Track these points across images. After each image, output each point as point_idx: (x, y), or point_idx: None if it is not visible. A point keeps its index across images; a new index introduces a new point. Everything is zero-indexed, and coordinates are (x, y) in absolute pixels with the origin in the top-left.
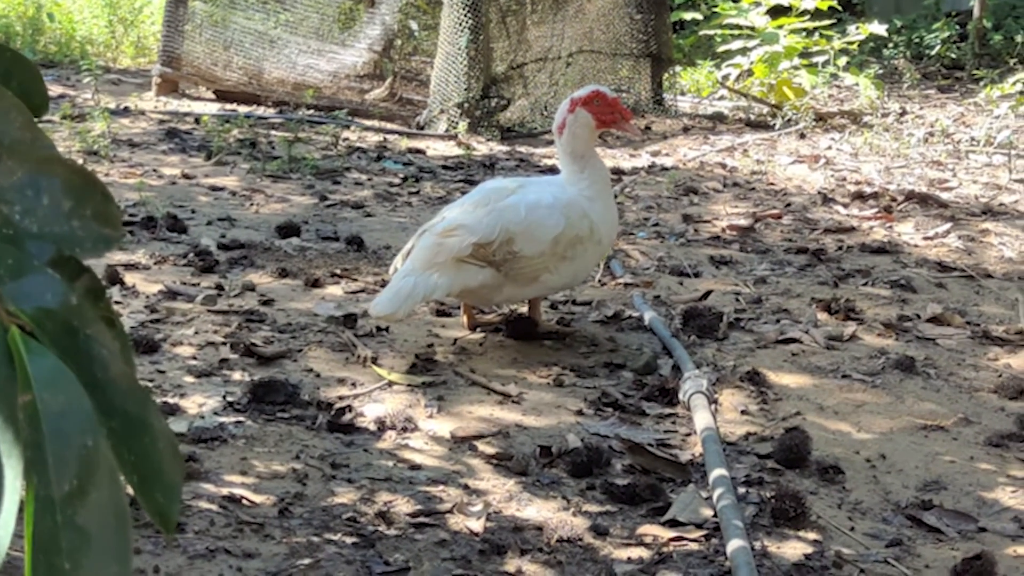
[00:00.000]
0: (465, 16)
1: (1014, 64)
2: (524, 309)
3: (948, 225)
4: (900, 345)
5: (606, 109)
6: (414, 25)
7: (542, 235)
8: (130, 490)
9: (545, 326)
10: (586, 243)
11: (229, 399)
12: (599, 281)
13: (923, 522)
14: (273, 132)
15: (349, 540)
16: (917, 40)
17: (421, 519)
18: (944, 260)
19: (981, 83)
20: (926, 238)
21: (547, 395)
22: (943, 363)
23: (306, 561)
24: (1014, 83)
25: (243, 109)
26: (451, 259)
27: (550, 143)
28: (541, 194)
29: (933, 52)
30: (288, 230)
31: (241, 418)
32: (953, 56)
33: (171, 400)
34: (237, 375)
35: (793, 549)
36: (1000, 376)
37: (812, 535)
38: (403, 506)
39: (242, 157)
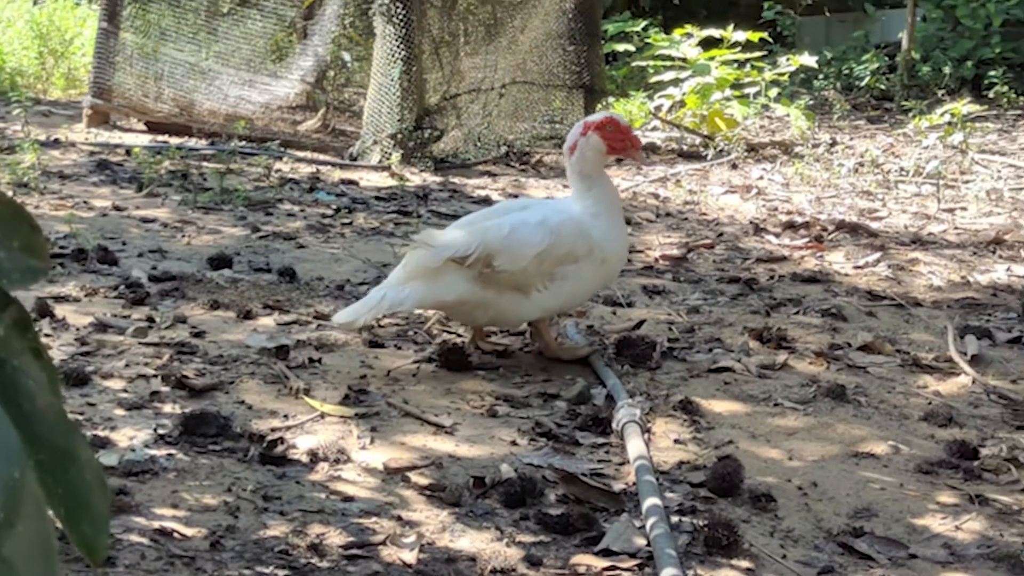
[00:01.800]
0: (398, 47)
1: (942, 95)
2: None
3: (878, 254)
4: (831, 373)
5: (617, 136)
6: (347, 56)
7: (524, 252)
8: (59, 523)
9: (556, 351)
10: (582, 262)
11: (160, 432)
12: None
13: (854, 549)
14: (205, 164)
15: (281, 573)
16: (847, 71)
17: (354, 551)
18: (874, 289)
19: (910, 114)
20: (856, 267)
21: (481, 425)
22: (874, 391)
23: None
24: (942, 114)
25: (175, 140)
26: (426, 272)
27: (484, 174)
28: (536, 213)
29: (863, 83)
30: (220, 262)
31: (172, 451)
32: (882, 87)
33: (101, 433)
34: (168, 407)
35: None
36: (930, 403)
37: (745, 563)
38: (336, 538)
39: (173, 189)
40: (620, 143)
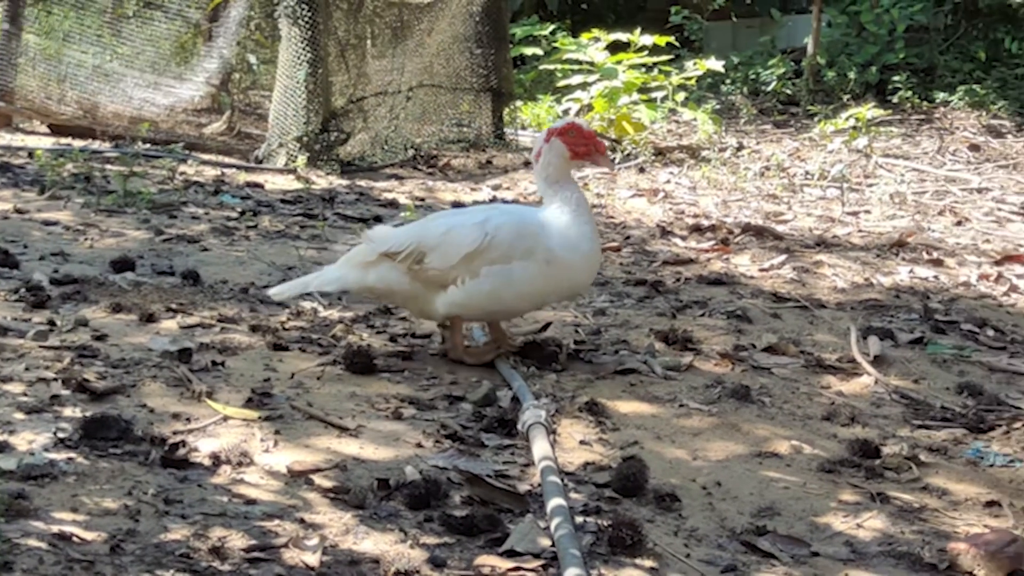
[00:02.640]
0: (303, 50)
1: (847, 100)
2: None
3: (783, 257)
4: (736, 374)
5: (580, 141)
6: (253, 59)
7: (455, 251)
8: None
9: (461, 353)
10: (516, 262)
11: (60, 435)
12: None
13: (757, 547)
14: (108, 166)
15: None
16: (753, 76)
17: (256, 554)
18: (779, 291)
19: (815, 119)
20: (762, 270)
21: (386, 428)
22: (777, 391)
23: None
24: (847, 118)
25: (78, 143)
26: (362, 261)
27: (391, 177)
28: (482, 215)
29: (769, 88)
30: (123, 265)
31: (72, 454)
32: (788, 92)
33: (0, 437)
34: (69, 411)
35: None
36: (833, 404)
37: (649, 563)
38: (237, 541)
39: (76, 192)
40: (583, 148)
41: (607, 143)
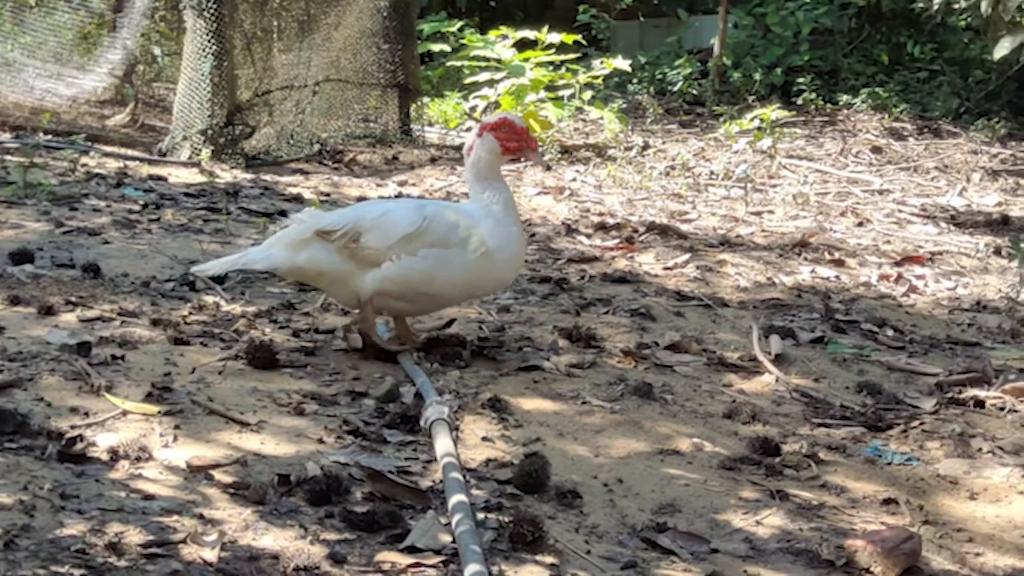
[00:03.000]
0: (208, 42)
1: (752, 101)
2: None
3: (687, 256)
4: (639, 372)
5: (512, 137)
6: (157, 51)
7: (393, 232)
8: None
9: (371, 334)
10: (454, 248)
11: None
12: (342, 310)
13: (658, 544)
14: (8, 157)
15: (77, 572)
16: (660, 76)
17: (153, 550)
18: (682, 289)
19: (721, 119)
20: (666, 268)
21: (287, 423)
22: (680, 389)
23: None
24: (752, 119)
25: None
26: (293, 242)
27: (296, 171)
28: (418, 202)
29: (675, 88)
30: (21, 257)
31: None
32: (695, 92)
33: None
34: None
35: (530, 573)
36: (734, 401)
37: (549, 559)
38: (135, 537)
39: None
40: (515, 143)
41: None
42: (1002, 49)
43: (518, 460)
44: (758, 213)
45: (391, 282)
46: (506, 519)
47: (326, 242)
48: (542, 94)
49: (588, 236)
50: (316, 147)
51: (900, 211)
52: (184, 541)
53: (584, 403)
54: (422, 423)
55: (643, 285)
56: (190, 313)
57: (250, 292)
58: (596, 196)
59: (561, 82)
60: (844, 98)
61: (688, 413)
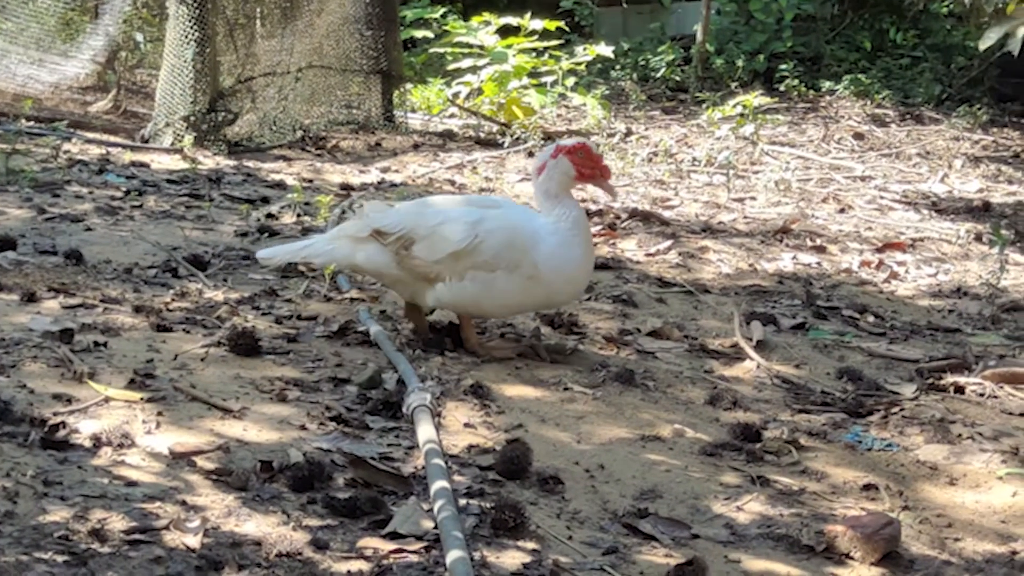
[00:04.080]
0: (191, 28)
1: (735, 87)
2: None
3: (669, 242)
4: (621, 358)
5: (588, 163)
6: (140, 37)
7: (442, 247)
8: None
9: (474, 345)
10: (500, 272)
11: None
12: (324, 296)
13: (639, 530)
14: None
15: (60, 559)
16: (643, 63)
17: (136, 536)
18: (664, 276)
19: (703, 105)
20: (648, 254)
21: (270, 410)
22: (662, 375)
23: None
24: (734, 106)
25: None
26: (353, 237)
27: (279, 158)
28: (478, 214)
29: (658, 75)
30: (3, 243)
31: None
32: (678, 79)
33: None
34: None
35: (512, 559)
36: (715, 388)
37: (531, 544)
38: (118, 523)
39: None
40: (590, 170)
41: (497, 127)
42: (988, 40)
43: (500, 446)
44: (740, 200)
45: (448, 305)
46: (488, 505)
47: (381, 244)
48: (525, 80)
49: None
50: (299, 133)
51: (882, 198)
52: (167, 527)
53: (566, 389)
54: (404, 409)
55: (625, 271)
56: (172, 300)
57: (232, 279)
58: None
59: (544, 68)
60: (827, 84)
61: (670, 399)
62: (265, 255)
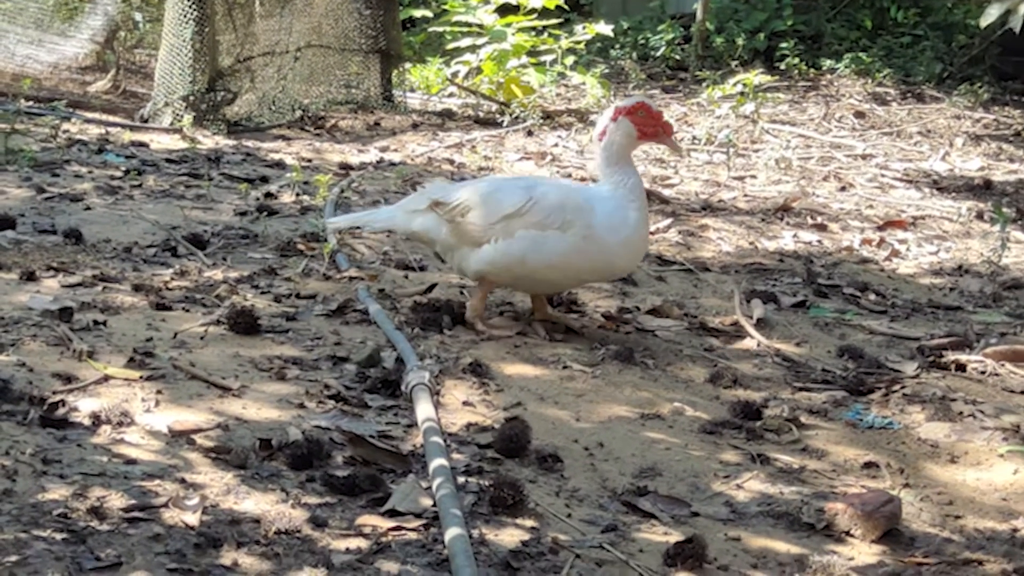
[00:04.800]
0: (190, 8)
1: (735, 66)
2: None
3: (669, 220)
4: (620, 337)
5: (649, 121)
6: (138, 16)
7: (496, 210)
8: None
9: (473, 318)
10: (551, 232)
11: None
12: (323, 275)
13: (638, 508)
14: None
15: (59, 536)
16: (643, 41)
17: (135, 514)
18: (664, 254)
19: (703, 84)
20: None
21: (269, 388)
22: (661, 354)
23: (13, 558)
24: (735, 84)
25: None
26: (413, 208)
27: (278, 137)
28: (530, 181)
29: (658, 53)
30: (3, 223)
31: None
32: (677, 57)
33: None
34: None
35: (511, 536)
36: (715, 366)
37: (530, 522)
38: (116, 501)
39: None
40: (651, 128)
41: (496, 106)
42: (989, 16)
43: (499, 424)
44: (740, 178)
45: (490, 264)
46: (486, 483)
47: (439, 213)
48: (524, 59)
49: None
50: (298, 113)
51: (883, 176)
52: (166, 505)
53: (565, 368)
54: (403, 388)
55: None
56: (172, 278)
57: (232, 258)
58: (578, 161)
59: (543, 47)
60: (827, 63)
61: (669, 378)
62: (331, 221)
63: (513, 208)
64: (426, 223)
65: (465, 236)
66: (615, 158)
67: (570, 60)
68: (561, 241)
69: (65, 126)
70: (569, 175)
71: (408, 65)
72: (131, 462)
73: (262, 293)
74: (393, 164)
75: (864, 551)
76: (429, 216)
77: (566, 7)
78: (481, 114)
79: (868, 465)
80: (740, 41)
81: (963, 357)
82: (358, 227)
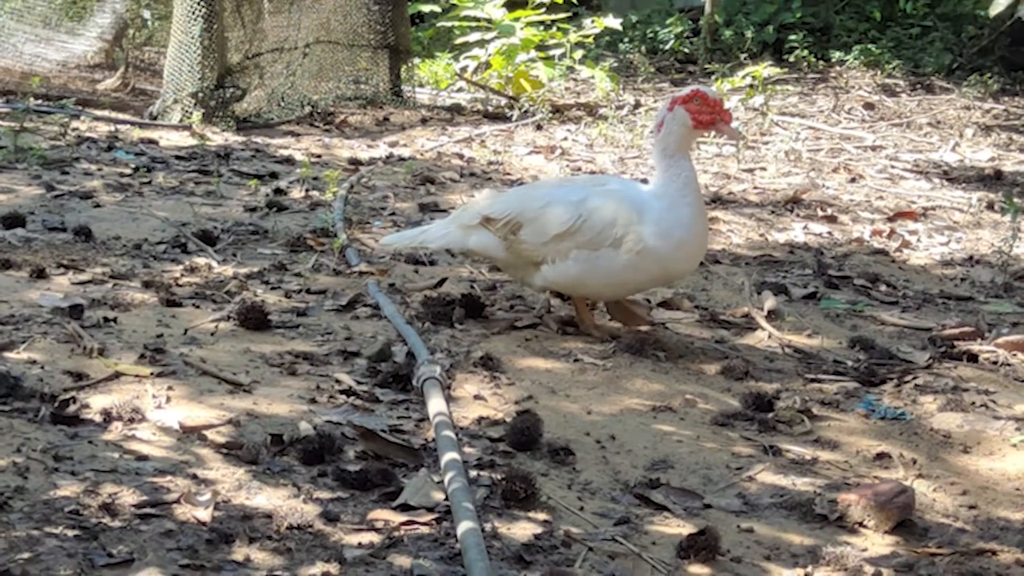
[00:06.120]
0: (198, 4)
1: (744, 58)
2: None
3: None
4: (631, 329)
5: (705, 109)
6: (147, 14)
7: (546, 229)
8: None
9: (588, 327)
10: (604, 250)
11: None
12: (333, 270)
13: (651, 500)
14: None
15: (71, 533)
16: (651, 35)
17: (147, 510)
18: None
19: (713, 77)
20: None
21: (280, 383)
22: (672, 346)
23: (25, 555)
24: (744, 77)
25: None
26: (465, 224)
27: (287, 134)
28: (582, 192)
29: (667, 47)
30: (13, 221)
31: None
32: (686, 51)
33: None
34: None
35: (523, 530)
36: (727, 358)
37: (542, 515)
38: (128, 497)
39: None
40: (708, 116)
41: (505, 100)
42: (998, 6)
43: (510, 418)
44: (750, 170)
45: (553, 283)
46: (499, 476)
47: (491, 231)
48: (533, 54)
49: None
50: (307, 109)
51: (893, 167)
52: (178, 501)
53: (576, 361)
54: (414, 382)
55: None
56: (182, 275)
57: (241, 254)
58: (588, 155)
59: (552, 41)
60: (836, 55)
61: (681, 370)
62: (387, 241)
63: (563, 228)
64: (482, 240)
65: (519, 255)
66: (671, 149)
67: (579, 54)
68: (615, 259)
69: (74, 124)
70: (579, 169)
71: (417, 60)
72: (142, 458)
73: (272, 289)
74: (403, 159)
75: (877, 542)
76: (483, 233)
77: (574, 1)
78: (490, 109)
79: (881, 456)
80: (749, 34)
81: (975, 347)
82: (414, 247)
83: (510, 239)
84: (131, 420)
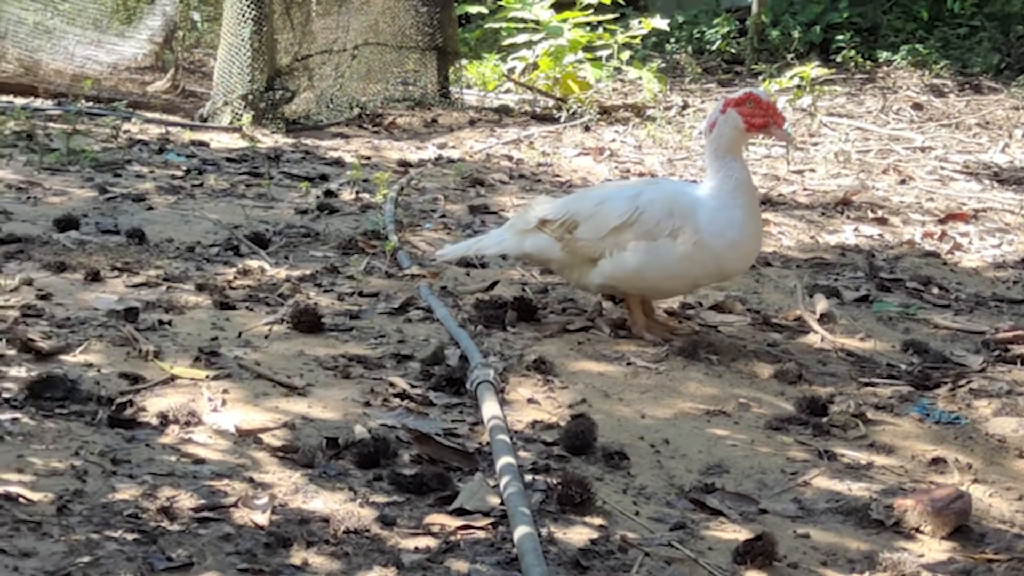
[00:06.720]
0: (248, 7)
1: (791, 59)
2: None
3: None
4: (683, 333)
5: (758, 112)
6: (196, 16)
7: (603, 224)
8: None
9: (640, 329)
10: (661, 241)
11: (5, 396)
12: (385, 273)
13: (706, 505)
14: (51, 124)
15: (130, 536)
16: (698, 35)
17: (205, 513)
18: None
19: (760, 77)
20: None
21: (334, 387)
22: (725, 349)
23: (85, 559)
24: (791, 77)
25: (20, 101)
26: (521, 229)
27: (337, 135)
28: (636, 189)
29: (714, 47)
30: (67, 223)
31: (17, 415)
32: (733, 51)
33: None
34: (14, 371)
35: (579, 535)
36: (780, 361)
37: (598, 520)
38: (186, 501)
39: (18, 150)
40: (760, 119)
41: (553, 102)
42: None
43: (564, 422)
44: (799, 172)
45: (610, 279)
46: (554, 481)
47: (548, 233)
48: (580, 55)
49: None
50: (356, 111)
51: (942, 168)
52: (235, 505)
53: (629, 364)
54: (468, 385)
55: None
56: (235, 278)
57: (294, 256)
58: (636, 156)
59: (599, 42)
60: (884, 55)
61: (733, 373)
62: (442, 253)
63: (620, 220)
64: (538, 242)
65: (578, 253)
66: (723, 151)
67: (626, 55)
68: (673, 249)
69: (126, 126)
70: (628, 170)
71: (464, 62)
72: (199, 462)
73: (325, 291)
74: (452, 161)
75: (934, 548)
76: (540, 236)
77: (622, 2)
78: (538, 110)
79: (936, 461)
80: (796, 34)
81: None
82: (469, 256)
83: (566, 238)
84: (187, 423)
